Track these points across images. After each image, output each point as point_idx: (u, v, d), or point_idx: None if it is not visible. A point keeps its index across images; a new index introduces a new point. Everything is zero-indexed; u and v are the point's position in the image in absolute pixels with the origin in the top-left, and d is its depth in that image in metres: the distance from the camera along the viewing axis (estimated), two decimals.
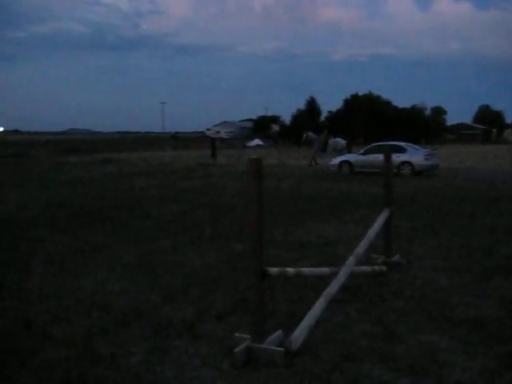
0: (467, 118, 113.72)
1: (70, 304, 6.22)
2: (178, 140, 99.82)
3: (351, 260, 6.12)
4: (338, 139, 20.61)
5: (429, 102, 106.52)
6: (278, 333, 4.98)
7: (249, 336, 4.79)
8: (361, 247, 6.49)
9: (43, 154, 46.75)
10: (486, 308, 6.01)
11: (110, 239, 9.91)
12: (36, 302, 6.29)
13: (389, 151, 8.07)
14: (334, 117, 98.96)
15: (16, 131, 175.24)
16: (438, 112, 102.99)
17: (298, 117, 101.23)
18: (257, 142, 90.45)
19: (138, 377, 4.44)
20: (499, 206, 14.00)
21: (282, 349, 4.66)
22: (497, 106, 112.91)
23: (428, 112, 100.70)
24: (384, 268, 7.37)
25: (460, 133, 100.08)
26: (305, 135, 20.59)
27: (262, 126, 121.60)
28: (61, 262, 8.24)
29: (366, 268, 7.08)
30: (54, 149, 57.27)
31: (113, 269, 7.80)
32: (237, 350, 4.64)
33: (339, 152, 22.90)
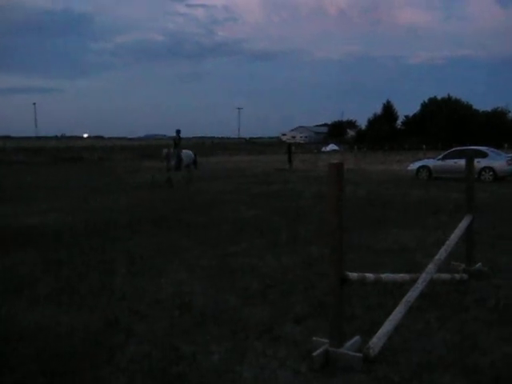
0: None
1: (151, 303, 6.43)
2: (254, 145, 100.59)
3: (431, 267, 6.00)
4: (186, 151, 22.06)
5: None
6: (356, 338, 4.95)
7: (327, 340, 4.79)
8: (441, 254, 6.35)
9: (122, 159, 48.29)
10: None
11: (188, 241, 10.15)
12: (120, 301, 6.54)
13: (470, 156, 7.86)
14: (411, 121, 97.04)
15: (99, 137, 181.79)
16: None
17: (374, 121, 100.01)
18: (332, 146, 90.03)
19: (217, 375, 4.53)
20: None
21: (361, 354, 4.63)
22: None
23: (511, 115, 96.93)
24: (465, 276, 7.17)
25: None
26: (165, 150, 22.02)
27: (337, 130, 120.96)
28: (142, 262, 8.51)
29: (446, 276, 6.91)
30: (132, 154, 59.13)
31: (192, 270, 7.98)
32: (315, 353, 4.65)
33: (187, 166, 21.83)
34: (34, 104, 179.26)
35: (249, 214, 13.87)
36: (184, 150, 22.50)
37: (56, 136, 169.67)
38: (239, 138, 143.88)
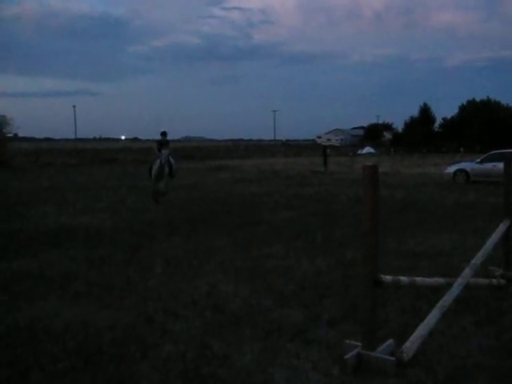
0: None
1: (186, 303, 6.50)
2: (289, 147, 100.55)
3: (467, 271, 5.92)
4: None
5: None
6: (390, 342, 4.92)
7: (360, 343, 4.78)
8: (477, 258, 6.26)
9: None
10: None
11: (223, 242, 10.22)
12: (155, 300, 6.64)
13: (509, 159, 7.72)
14: (448, 124, 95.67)
15: (136, 139, 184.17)
16: None
17: (411, 124, 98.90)
18: (368, 149, 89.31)
19: (250, 376, 4.56)
20: None
21: (394, 358, 4.60)
22: None
23: None
24: (502, 281, 7.05)
25: None
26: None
27: (373, 133, 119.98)
28: (177, 262, 8.61)
29: (483, 280, 6.81)
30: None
31: (226, 271, 8.04)
32: (348, 356, 4.65)
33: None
34: (74, 107, 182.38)
35: (284, 216, 13.89)
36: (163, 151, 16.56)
37: (94, 138, 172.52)
38: (275, 141, 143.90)
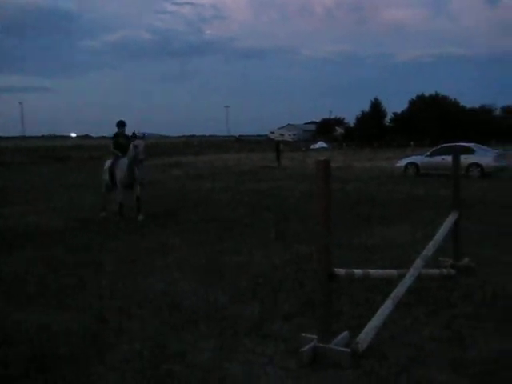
0: None
1: (141, 302, 6.44)
2: (242, 143, 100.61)
3: (419, 262, 6.05)
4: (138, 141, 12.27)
5: (500, 102, 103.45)
6: (345, 334, 4.99)
7: (315, 336, 4.83)
8: (428, 250, 6.40)
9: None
10: None
11: (178, 240, 10.16)
12: (110, 300, 6.55)
13: (457, 152, 7.93)
14: (399, 118, 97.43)
15: (87, 136, 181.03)
16: (509, 112, 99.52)
17: (363, 119, 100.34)
18: (321, 144, 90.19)
19: (207, 373, 4.55)
20: None
21: (349, 350, 4.67)
22: None
23: (498, 112, 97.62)
24: (452, 271, 7.24)
25: None
26: (108, 162, 13.28)
27: (325, 128, 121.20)
28: (132, 261, 8.52)
29: (434, 271, 6.97)
30: None
31: (182, 269, 8.00)
32: (303, 349, 4.69)
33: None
34: (21, 103, 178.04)
35: (239, 212, 13.88)
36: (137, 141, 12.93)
37: (43, 135, 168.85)
38: (228, 136, 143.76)
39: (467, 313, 5.89)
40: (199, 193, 19.09)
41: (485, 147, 27.86)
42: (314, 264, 5.29)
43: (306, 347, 4.71)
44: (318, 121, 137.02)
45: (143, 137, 13.46)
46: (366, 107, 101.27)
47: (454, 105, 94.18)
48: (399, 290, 5.42)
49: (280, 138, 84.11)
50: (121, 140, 13.56)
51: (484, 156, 24.64)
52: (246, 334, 5.38)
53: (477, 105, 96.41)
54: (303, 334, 4.96)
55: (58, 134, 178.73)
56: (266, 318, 5.82)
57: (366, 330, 4.86)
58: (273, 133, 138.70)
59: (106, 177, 13.60)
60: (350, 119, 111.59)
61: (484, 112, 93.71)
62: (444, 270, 7.21)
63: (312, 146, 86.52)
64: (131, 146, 12.84)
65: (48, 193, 19.91)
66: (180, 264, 8.29)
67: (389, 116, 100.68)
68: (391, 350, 4.91)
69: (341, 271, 4.98)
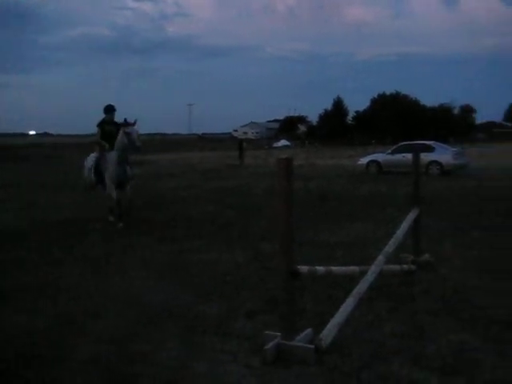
0: (497, 117, 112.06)
1: (105, 302, 6.36)
2: (205, 141, 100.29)
3: (380, 259, 6.14)
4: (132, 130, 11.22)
5: (458, 101, 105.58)
6: (308, 331, 5.03)
7: (279, 334, 4.85)
8: (390, 246, 6.50)
9: (73, 156, 47.40)
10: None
11: (143, 239, 10.07)
12: (74, 300, 6.45)
13: (417, 150, 8.07)
14: (361, 117, 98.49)
15: (46, 134, 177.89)
16: (467, 110, 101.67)
17: (325, 117, 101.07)
18: (283, 142, 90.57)
19: (172, 372, 4.54)
20: None
21: (312, 346, 4.70)
22: None
23: (456, 111, 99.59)
24: (413, 267, 7.36)
25: (490, 131, 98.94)
26: (92, 156, 11.49)
27: (288, 126, 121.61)
28: (95, 260, 8.41)
29: (395, 267, 7.09)
30: (83, 151, 58.03)
31: (145, 268, 7.94)
32: (267, 346, 4.71)
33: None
34: None
35: (203, 210, 13.85)
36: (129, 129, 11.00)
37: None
38: (191, 135, 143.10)
39: (428, 307, 6.01)
40: (163, 191, 18.97)
41: (444, 145, 28.41)
42: (276, 262, 5.31)
43: (270, 345, 4.73)
44: (280, 119, 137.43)
45: (135, 122, 11.19)
46: (329, 105, 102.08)
47: (415, 103, 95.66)
48: (361, 287, 5.49)
49: (243, 136, 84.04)
50: (109, 128, 11.48)
51: (444, 154, 25.10)
52: (210, 332, 5.38)
53: (436, 104, 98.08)
54: (267, 332, 4.98)
55: (15, 131, 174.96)
56: (230, 316, 5.83)
57: (329, 326, 4.91)
58: (236, 131, 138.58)
59: (91, 174, 11.83)
60: (313, 117, 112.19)
61: (443, 111, 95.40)
62: (405, 265, 7.33)
63: (275, 144, 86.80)
64: (121, 133, 10.85)
65: (5, 192, 19.49)
66: (145, 263, 8.23)
67: (351, 114, 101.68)
68: (354, 346, 4.97)
69: (303, 269, 5.02)
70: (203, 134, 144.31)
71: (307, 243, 9.14)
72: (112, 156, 11.21)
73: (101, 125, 11.68)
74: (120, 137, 10.95)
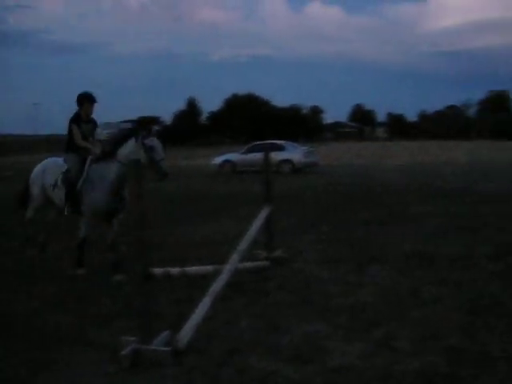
0: (343, 117, 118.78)
1: None
2: (53, 143, 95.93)
3: (235, 257, 6.25)
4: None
5: (307, 102, 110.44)
6: (166, 333, 4.99)
7: (135, 338, 4.77)
8: (243, 244, 6.63)
9: None
10: (363, 296, 6.36)
11: None
12: None
13: (267, 149, 8.33)
14: (215, 117, 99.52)
15: None
16: (316, 111, 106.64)
17: (179, 117, 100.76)
18: None
19: None
20: (375, 200, 14.83)
21: (170, 348, 4.68)
22: (369, 105, 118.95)
23: (306, 111, 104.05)
24: (267, 263, 7.59)
25: (337, 131, 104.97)
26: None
27: (142, 126, 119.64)
28: None
29: (250, 264, 7.26)
30: None
31: None
32: (123, 352, 4.61)
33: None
34: None
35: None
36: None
37: None
38: (38, 136, 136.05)
39: (282, 301, 6.23)
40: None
41: (295, 144, 29.58)
42: (130, 265, 5.21)
43: (126, 350, 4.63)
44: (134, 119, 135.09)
45: (157, 131, 8.57)
46: (183, 105, 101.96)
47: (267, 104, 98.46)
48: (217, 286, 5.55)
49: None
50: (86, 127, 8.11)
51: (294, 153, 26.14)
52: (64, 343, 5.15)
53: (287, 104, 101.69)
54: (123, 338, 4.87)
55: None
56: (83, 324, 5.62)
57: (185, 327, 4.91)
58: None
59: (58, 195, 7.92)
60: (168, 117, 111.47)
61: (293, 111, 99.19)
62: (259, 262, 7.53)
63: None
64: (133, 143, 7.36)
65: None
66: None
67: (205, 114, 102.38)
68: (212, 344, 5.02)
69: (158, 271, 4.98)
70: (50, 135, 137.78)
71: (162, 244, 9.07)
72: (105, 171, 7.46)
73: (76, 121, 8.00)
74: (131, 148, 7.33)
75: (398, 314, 5.72)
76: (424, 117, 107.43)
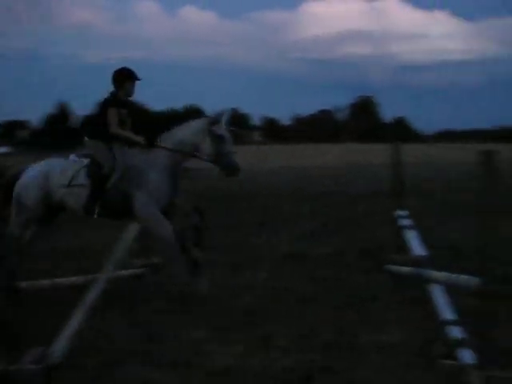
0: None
1: None
2: None
3: (109, 266, 6.08)
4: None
5: (182, 105, 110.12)
6: (39, 350, 4.75)
7: (3, 360, 4.50)
8: (119, 252, 6.47)
9: None
10: (241, 298, 6.46)
11: None
12: None
13: None
14: (88, 120, 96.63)
15: None
16: (192, 111, 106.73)
17: (51, 121, 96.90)
18: (4, 149, 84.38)
19: None
20: (250, 203, 15.12)
21: (42, 366, 4.46)
22: (244, 109, 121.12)
23: (182, 113, 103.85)
24: (144, 270, 7.47)
25: None
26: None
27: (8, 131, 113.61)
28: None
29: (127, 272, 7.11)
30: None
31: None
32: None
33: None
34: None
35: None
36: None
37: None
38: None
39: (158, 308, 6.18)
40: None
41: None
42: None
43: None
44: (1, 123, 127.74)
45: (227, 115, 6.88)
46: (52, 109, 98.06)
47: (140, 108, 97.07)
48: (89, 297, 5.37)
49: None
50: (124, 111, 6.77)
51: None
52: None
53: (163, 108, 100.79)
54: None
55: None
56: None
57: (57, 342, 4.71)
58: None
59: (76, 194, 6.57)
60: (37, 121, 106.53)
61: (169, 114, 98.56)
62: (136, 269, 7.39)
63: None
64: (202, 129, 6.53)
65: None
66: None
67: (78, 118, 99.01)
68: (87, 356, 4.86)
69: (24, 284, 4.73)
70: None
71: (37, 255, 8.64)
72: (154, 161, 6.50)
73: (116, 104, 6.61)
74: (189, 133, 6.56)
75: (276, 313, 5.88)
76: (297, 120, 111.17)
